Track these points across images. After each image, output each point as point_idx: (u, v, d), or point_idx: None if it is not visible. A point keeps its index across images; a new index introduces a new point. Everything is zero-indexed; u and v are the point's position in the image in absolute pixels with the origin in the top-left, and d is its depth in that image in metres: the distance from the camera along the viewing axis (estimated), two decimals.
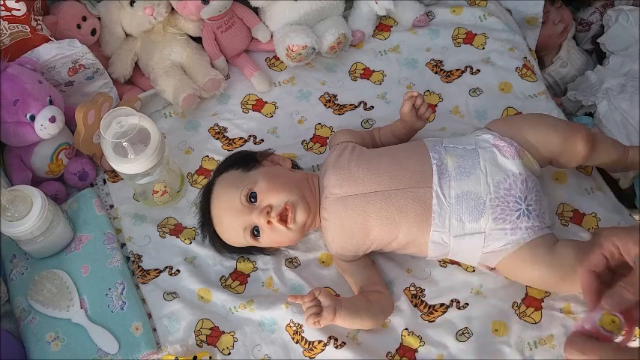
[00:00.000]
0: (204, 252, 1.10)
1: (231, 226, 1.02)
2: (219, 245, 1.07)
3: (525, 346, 0.98)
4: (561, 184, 1.13)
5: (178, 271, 1.08)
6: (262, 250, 1.08)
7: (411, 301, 1.03)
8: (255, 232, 1.01)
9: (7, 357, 0.96)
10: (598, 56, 1.47)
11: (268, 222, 0.98)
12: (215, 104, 1.28)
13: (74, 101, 1.16)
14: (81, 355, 0.99)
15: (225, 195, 1.02)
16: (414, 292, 1.04)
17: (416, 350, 0.99)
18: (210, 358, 1.00)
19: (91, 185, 1.20)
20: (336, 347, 0.97)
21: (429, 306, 1.02)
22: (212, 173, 1.12)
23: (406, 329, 1.01)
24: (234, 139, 1.23)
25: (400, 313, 1.02)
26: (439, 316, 1.02)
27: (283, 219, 0.98)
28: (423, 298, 1.03)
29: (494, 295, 1.02)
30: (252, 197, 1.00)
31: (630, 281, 0.77)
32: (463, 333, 1.00)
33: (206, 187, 1.09)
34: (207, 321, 1.03)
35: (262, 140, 1.23)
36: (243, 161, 1.07)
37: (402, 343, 1.00)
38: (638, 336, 0.97)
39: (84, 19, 1.21)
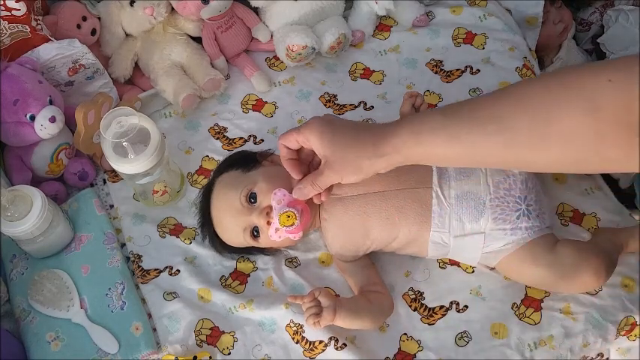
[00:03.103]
0: (204, 252, 1.10)
1: (231, 227, 1.02)
2: (219, 245, 1.07)
3: (525, 347, 0.98)
4: (561, 184, 1.13)
5: (178, 271, 1.08)
6: (262, 250, 1.08)
7: (410, 306, 1.03)
8: (254, 232, 1.01)
9: (7, 357, 0.96)
10: (598, 56, 1.47)
11: (268, 222, 0.98)
12: (215, 104, 1.28)
13: (74, 101, 1.16)
14: (81, 355, 0.99)
15: (225, 195, 1.02)
16: (413, 296, 1.04)
17: (414, 356, 0.99)
18: (210, 358, 1.00)
19: (91, 185, 1.20)
20: (337, 349, 0.97)
21: (429, 309, 1.02)
22: (212, 173, 1.12)
23: (405, 334, 1.01)
24: (234, 139, 1.23)
25: (399, 319, 1.02)
26: (439, 318, 1.02)
27: None
28: (423, 301, 1.03)
29: (494, 295, 1.02)
30: (251, 198, 1.00)
31: (317, 175, 0.87)
32: (462, 337, 1.00)
33: (206, 187, 1.09)
34: (208, 321, 1.03)
35: (262, 140, 1.23)
36: (243, 161, 1.07)
37: (400, 349, 1.00)
38: (638, 336, 0.97)
39: (84, 19, 1.21)
